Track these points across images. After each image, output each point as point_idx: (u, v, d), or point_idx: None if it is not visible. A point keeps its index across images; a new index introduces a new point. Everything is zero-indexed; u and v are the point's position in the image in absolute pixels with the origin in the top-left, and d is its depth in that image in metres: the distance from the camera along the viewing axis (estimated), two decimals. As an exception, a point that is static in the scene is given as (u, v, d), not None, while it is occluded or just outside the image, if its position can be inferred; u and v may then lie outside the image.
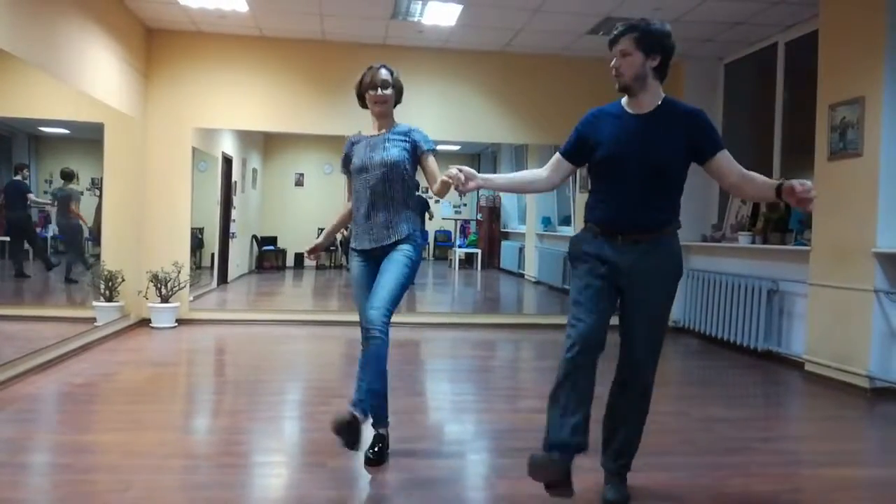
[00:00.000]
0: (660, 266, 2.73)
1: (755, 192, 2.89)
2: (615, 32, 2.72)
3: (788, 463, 3.41)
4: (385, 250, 3.19)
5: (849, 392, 4.85)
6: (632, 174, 2.67)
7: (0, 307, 6.14)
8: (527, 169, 12.12)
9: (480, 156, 14.06)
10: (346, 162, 3.41)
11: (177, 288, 6.76)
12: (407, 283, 3.16)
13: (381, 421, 3.24)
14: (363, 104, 3.35)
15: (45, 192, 7.10)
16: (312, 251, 3.51)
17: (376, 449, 3.16)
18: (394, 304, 3.08)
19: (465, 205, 13.27)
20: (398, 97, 3.34)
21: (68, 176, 6.71)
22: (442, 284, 12.11)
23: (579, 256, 2.80)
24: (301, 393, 4.67)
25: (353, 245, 3.31)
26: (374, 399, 3.06)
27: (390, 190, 3.21)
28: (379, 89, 3.22)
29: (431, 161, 3.27)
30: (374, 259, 3.22)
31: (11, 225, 6.04)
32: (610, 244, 2.72)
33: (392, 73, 3.28)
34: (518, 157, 12.52)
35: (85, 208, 7.16)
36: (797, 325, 5.74)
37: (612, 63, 2.73)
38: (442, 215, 13.30)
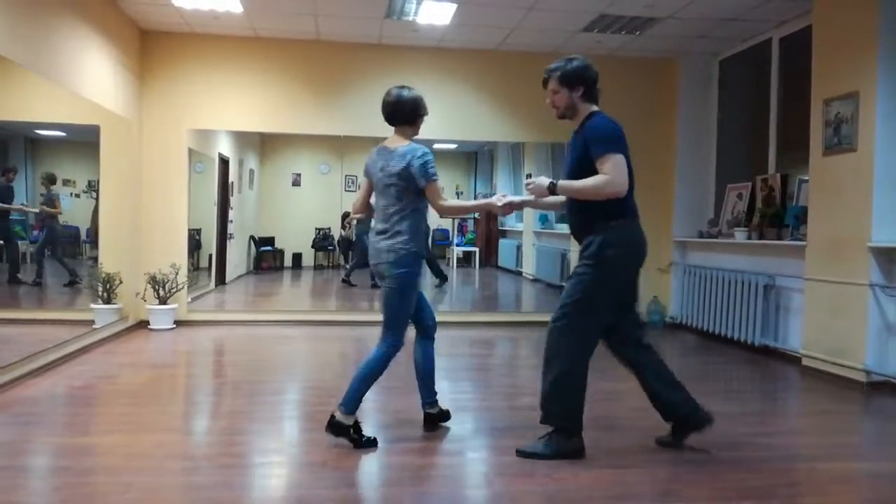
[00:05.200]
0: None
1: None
2: (544, 76, 3.35)
3: (785, 457, 3.42)
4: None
5: (845, 386, 4.88)
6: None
7: (-2, 311, 6.16)
8: (523, 167, 12.08)
9: (477, 154, 14.06)
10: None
11: (175, 289, 6.76)
12: None
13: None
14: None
15: (42, 195, 7.11)
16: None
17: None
18: None
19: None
20: None
21: (51, 179, 6.71)
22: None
23: None
24: (300, 393, 4.68)
25: (421, 252, 3.51)
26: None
27: None
28: None
29: None
30: None
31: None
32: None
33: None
34: (514, 156, 12.52)
35: (82, 211, 7.17)
36: (794, 319, 5.76)
37: (547, 101, 3.36)
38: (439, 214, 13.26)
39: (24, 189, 6.83)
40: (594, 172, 3.15)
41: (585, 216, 3.26)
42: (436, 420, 3.70)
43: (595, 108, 3.34)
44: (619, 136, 3.19)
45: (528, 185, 3.43)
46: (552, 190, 3.27)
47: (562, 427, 3.25)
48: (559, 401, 3.23)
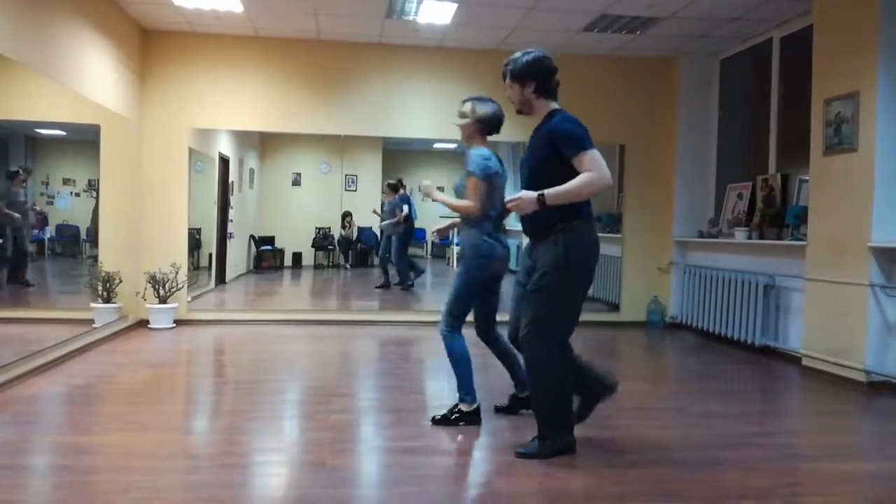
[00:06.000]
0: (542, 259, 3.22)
1: None
2: (502, 70, 3.37)
3: (786, 457, 3.42)
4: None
5: (846, 386, 4.87)
6: (522, 181, 3.31)
7: (-2, 310, 6.14)
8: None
9: (477, 154, 14.06)
10: None
11: (175, 289, 6.76)
12: (462, 292, 3.77)
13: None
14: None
15: (42, 195, 7.10)
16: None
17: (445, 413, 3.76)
18: (450, 312, 3.78)
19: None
20: (477, 126, 3.81)
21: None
22: (440, 282, 12.11)
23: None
24: (300, 392, 4.68)
25: None
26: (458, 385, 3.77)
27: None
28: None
29: (470, 183, 3.67)
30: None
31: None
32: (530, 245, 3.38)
33: (464, 103, 3.79)
34: (515, 155, 12.53)
35: (82, 210, 7.16)
36: (794, 320, 5.76)
37: (508, 94, 3.40)
38: (439, 214, 13.29)
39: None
40: (558, 174, 3.09)
41: (544, 217, 3.15)
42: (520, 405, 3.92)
43: (554, 105, 3.30)
44: (586, 131, 3.14)
45: (511, 202, 3.21)
46: (542, 202, 3.10)
47: (560, 429, 3.26)
48: (555, 407, 3.25)
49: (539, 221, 3.20)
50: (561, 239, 3.13)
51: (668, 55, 7.45)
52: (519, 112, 3.40)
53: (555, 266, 3.14)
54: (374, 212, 11.28)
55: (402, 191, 10.47)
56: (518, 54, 3.31)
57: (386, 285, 9.83)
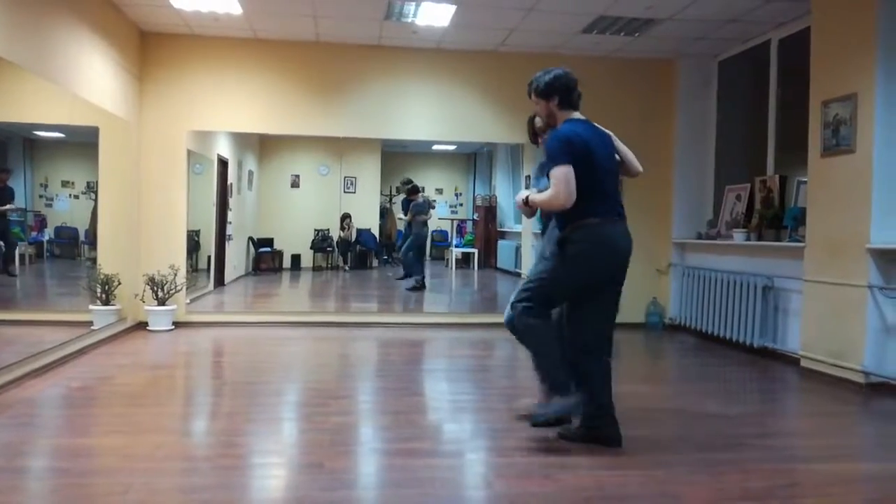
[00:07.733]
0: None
1: None
2: (527, 90, 3.60)
3: (784, 458, 3.42)
4: None
5: (844, 387, 4.87)
6: None
7: (-4, 312, 6.14)
8: (523, 169, 12.11)
9: (476, 155, 14.07)
10: None
11: (173, 291, 6.75)
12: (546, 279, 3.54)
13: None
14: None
15: (41, 197, 7.10)
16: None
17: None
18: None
19: (461, 205, 13.28)
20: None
21: None
22: (439, 284, 12.11)
23: None
24: (299, 394, 4.68)
25: None
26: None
27: None
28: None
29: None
30: None
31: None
32: None
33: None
34: (514, 157, 12.53)
35: (81, 212, 7.17)
36: (792, 321, 5.76)
37: (536, 110, 3.65)
38: (438, 215, 13.29)
39: (22, 191, 6.83)
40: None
41: (560, 218, 3.50)
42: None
43: (572, 114, 3.51)
44: (563, 148, 3.31)
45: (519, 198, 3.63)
46: (526, 202, 3.53)
47: (563, 388, 3.43)
48: (552, 367, 3.49)
49: (562, 222, 3.51)
50: (569, 229, 3.42)
51: (666, 57, 7.46)
52: (549, 126, 3.59)
53: (556, 254, 3.48)
54: (404, 217, 11.32)
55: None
56: (540, 73, 3.54)
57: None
